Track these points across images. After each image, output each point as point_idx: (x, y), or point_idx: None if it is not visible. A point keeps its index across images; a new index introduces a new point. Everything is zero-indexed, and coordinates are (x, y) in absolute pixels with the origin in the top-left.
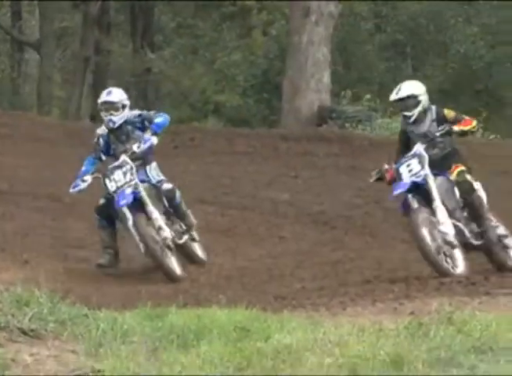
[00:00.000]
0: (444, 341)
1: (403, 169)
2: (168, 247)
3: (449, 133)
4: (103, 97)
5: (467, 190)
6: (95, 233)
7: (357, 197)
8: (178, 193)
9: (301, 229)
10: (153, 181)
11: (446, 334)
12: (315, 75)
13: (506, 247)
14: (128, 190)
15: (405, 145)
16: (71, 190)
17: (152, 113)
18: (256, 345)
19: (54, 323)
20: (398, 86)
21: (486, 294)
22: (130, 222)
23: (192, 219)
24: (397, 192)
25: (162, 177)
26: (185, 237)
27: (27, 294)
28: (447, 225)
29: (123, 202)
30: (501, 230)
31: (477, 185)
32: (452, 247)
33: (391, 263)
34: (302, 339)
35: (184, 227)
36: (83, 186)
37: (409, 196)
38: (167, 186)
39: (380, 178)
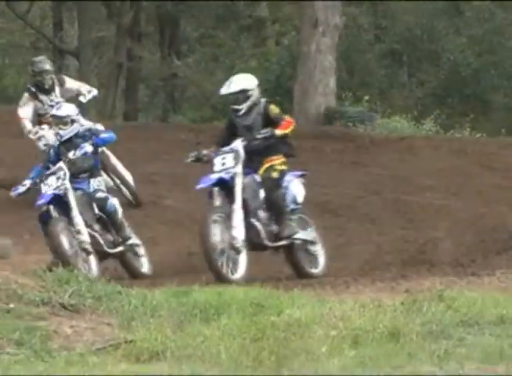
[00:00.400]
0: (435, 315)
1: (217, 161)
2: (85, 250)
3: (272, 137)
4: (52, 111)
5: (270, 187)
6: (127, 219)
7: (359, 188)
8: (112, 204)
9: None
10: (90, 190)
11: (437, 309)
12: (322, 80)
13: (307, 251)
14: (50, 192)
15: (230, 134)
16: (11, 193)
17: (100, 129)
18: (270, 319)
19: (91, 299)
20: (229, 80)
21: (473, 275)
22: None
23: (130, 234)
24: (201, 186)
25: (103, 188)
26: (120, 248)
27: (68, 273)
28: (238, 230)
29: (40, 202)
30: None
31: (298, 181)
32: (237, 252)
33: (389, 247)
34: (310, 314)
35: (120, 239)
36: (21, 189)
37: (215, 189)
38: (100, 195)
39: (198, 160)
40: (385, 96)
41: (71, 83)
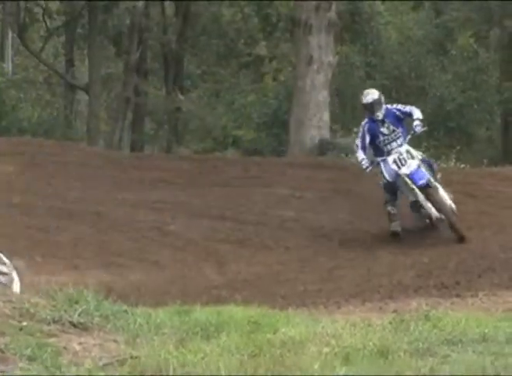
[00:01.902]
0: (422, 334)
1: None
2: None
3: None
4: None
5: None
6: (132, 244)
7: (350, 214)
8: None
9: (304, 241)
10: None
11: (424, 328)
12: (316, 114)
13: None
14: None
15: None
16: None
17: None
18: (266, 337)
19: (99, 317)
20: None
21: (457, 296)
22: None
23: None
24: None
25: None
26: None
27: (77, 293)
28: None
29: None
30: None
31: None
32: None
33: (378, 270)
34: (304, 332)
35: None
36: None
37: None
38: None
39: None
40: None
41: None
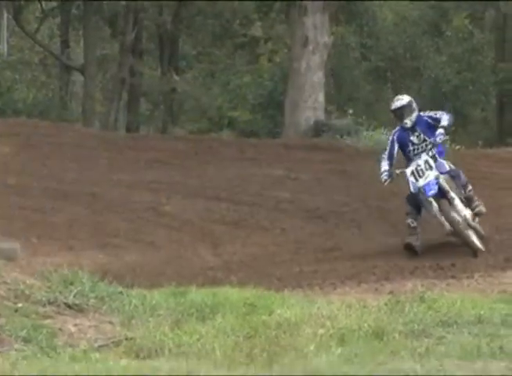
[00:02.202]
0: (417, 316)
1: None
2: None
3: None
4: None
5: None
6: (128, 225)
7: (346, 196)
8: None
9: (299, 223)
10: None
11: (419, 310)
12: (311, 95)
13: None
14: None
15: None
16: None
17: None
18: (261, 318)
19: (94, 299)
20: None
21: (452, 277)
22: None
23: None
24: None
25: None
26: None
27: (72, 274)
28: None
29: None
30: None
31: None
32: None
33: (374, 251)
34: (300, 313)
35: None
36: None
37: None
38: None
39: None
40: (371, 110)
41: None
